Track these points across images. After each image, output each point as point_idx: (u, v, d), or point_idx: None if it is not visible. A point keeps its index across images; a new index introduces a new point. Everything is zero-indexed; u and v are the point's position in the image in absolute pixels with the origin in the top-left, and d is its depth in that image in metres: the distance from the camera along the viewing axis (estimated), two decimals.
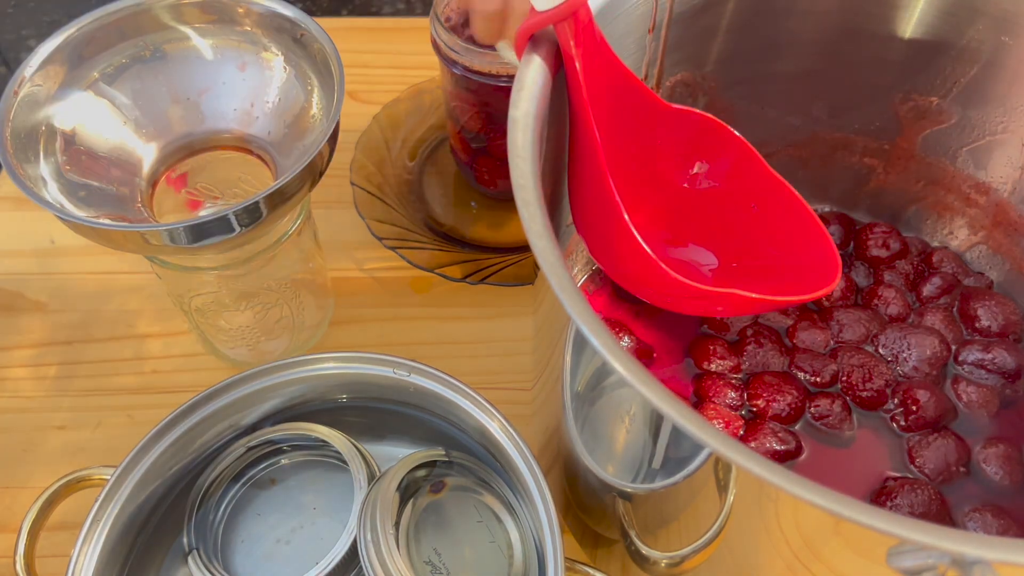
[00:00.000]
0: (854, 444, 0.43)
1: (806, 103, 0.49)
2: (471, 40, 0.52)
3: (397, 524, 0.40)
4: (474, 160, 0.60)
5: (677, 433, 0.30)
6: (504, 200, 0.62)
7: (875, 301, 0.48)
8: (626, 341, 0.46)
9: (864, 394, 0.44)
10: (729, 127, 0.42)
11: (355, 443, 0.43)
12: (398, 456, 0.42)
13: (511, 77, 0.52)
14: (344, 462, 0.42)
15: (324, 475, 0.45)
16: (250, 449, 0.43)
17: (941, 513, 0.41)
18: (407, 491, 0.41)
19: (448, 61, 0.53)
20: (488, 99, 0.55)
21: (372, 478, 0.42)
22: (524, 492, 0.39)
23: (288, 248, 0.48)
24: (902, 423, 0.43)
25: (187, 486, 0.43)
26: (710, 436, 0.26)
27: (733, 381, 0.44)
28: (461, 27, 0.53)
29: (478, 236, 0.60)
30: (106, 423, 0.53)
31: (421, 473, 0.42)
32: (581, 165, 0.39)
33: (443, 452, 0.43)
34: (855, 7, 0.44)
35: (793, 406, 0.43)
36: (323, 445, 0.43)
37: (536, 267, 0.31)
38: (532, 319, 0.56)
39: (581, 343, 0.33)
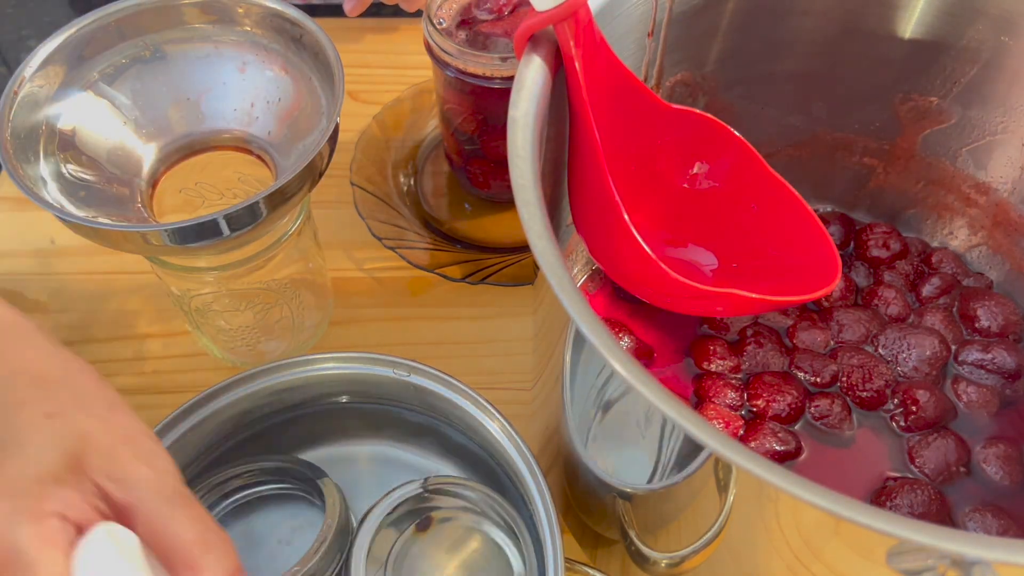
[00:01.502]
0: (854, 444, 0.43)
1: (806, 103, 0.49)
2: (465, 42, 0.52)
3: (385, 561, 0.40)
4: (467, 162, 0.60)
5: (677, 433, 0.30)
6: (496, 202, 0.62)
7: (875, 301, 0.48)
8: (626, 341, 0.46)
9: (864, 394, 0.44)
10: (729, 127, 0.42)
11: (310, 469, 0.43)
12: (397, 456, 0.42)
13: (505, 79, 0.52)
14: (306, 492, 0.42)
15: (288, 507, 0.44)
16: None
17: (941, 513, 0.41)
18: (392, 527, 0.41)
19: (441, 63, 0.53)
20: (482, 102, 0.54)
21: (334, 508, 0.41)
22: (524, 492, 0.39)
23: (288, 248, 0.48)
24: (902, 423, 0.43)
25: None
26: (710, 436, 0.26)
27: (733, 381, 0.44)
28: (455, 29, 0.53)
29: (473, 237, 0.60)
30: None
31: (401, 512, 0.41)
32: (581, 165, 0.39)
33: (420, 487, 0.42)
34: (855, 7, 0.44)
35: (793, 406, 0.43)
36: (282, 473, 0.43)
37: (536, 267, 0.31)
38: (532, 319, 0.56)
39: (581, 343, 0.33)
